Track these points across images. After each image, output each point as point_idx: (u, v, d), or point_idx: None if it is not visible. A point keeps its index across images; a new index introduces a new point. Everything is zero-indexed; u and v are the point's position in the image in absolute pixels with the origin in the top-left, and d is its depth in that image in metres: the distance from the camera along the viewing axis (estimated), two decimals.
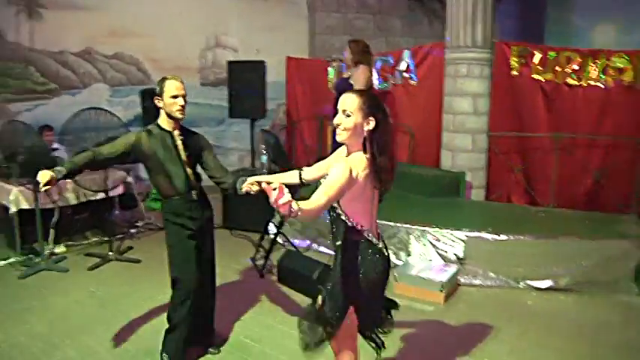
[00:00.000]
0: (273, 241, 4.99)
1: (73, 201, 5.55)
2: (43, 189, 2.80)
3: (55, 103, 7.04)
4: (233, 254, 5.25)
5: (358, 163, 2.20)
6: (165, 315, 3.25)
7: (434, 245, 4.64)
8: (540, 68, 5.61)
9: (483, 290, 4.39)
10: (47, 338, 3.64)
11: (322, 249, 5.25)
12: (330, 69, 6.51)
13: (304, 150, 7.70)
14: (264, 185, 1.92)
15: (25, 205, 5.13)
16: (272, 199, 1.83)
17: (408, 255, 4.75)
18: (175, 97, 3.05)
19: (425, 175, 5.82)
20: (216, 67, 7.96)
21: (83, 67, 7.27)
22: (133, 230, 6.12)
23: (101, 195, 5.49)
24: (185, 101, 3.09)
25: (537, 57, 5.60)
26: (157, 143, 3.11)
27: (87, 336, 3.66)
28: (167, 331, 3.20)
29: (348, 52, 5.34)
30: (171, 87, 3.05)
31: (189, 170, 3.17)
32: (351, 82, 5.17)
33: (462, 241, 4.53)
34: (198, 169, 3.27)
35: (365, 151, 2.25)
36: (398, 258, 4.78)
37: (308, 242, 5.43)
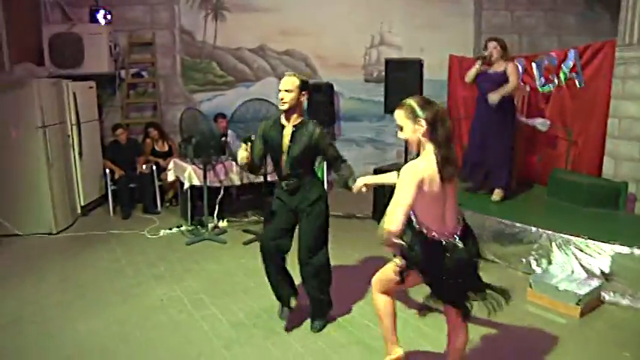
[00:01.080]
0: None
1: (237, 182, 6.21)
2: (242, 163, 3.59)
3: (231, 94, 7.86)
4: (376, 244, 5.42)
5: (423, 168, 2.39)
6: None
7: (577, 256, 4.35)
8: None
9: (631, 312, 3.96)
10: (198, 296, 4.23)
11: None
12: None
13: (461, 149, 7.59)
14: None
15: (196, 182, 5.90)
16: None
17: (549, 263, 4.52)
18: (279, 91, 3.39)
19: (580, 183, 5.41)
20: (380, 65, 8.12)
21: (257, 62, 8.03)
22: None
23: (261, 179, 6.04)
24: (286, 96, 3.35)
25: None
26: (272, 132, 3.48)
27: (229, 299, 4.18)
28: None
29: (492, 49, 5.35)
30: (281, 83, 3.42)
31: (284, 162, 3.43)
32: (508, 75, 5.22)
33: (609, 255, 4.18)
34: None
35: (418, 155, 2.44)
36: (538, 265, 4.58)
37: None
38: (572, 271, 4.32)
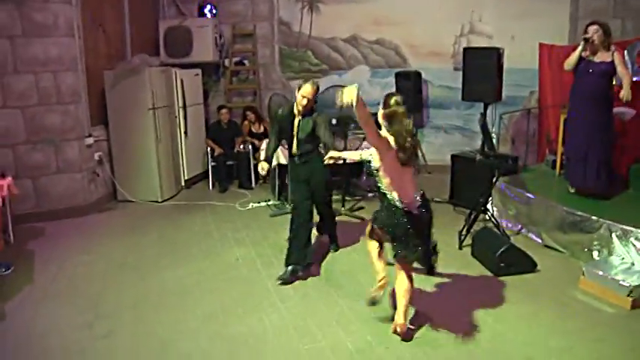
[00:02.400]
0: (474, 220, 5.27)
1: None
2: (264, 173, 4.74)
3: (325, 81, 8.25)
4: (446, 225, 5.58)
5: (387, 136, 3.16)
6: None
7: (638, 249, 4.30)
8: None
9: None
10: (268, 258, 4.85)
11: (531, 235, 5.28)
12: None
13: (546, 140, 7.49)
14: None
15: (283, 161, 6.47)
16: None
17: (610, 254, 4.50)
18: (303, 97, 4.28)
19: None
20: None
21: (349, 51, 8.47)
22: (370, 194, 7.00)
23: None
24: (308, 102, 4.31)
25: None
26: (285, 119, 4.49)
27: None
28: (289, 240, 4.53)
29: (593, 33, 5.05)
30: (303, 89, 4.29)
31: (295, 143, 4.47)
32: (617, 65, 5.00)
33: None
34: None
35: None
36: (600, 255, 4.55)
37: (519, 226, 5.52)
38: (633, 264, 4.27)
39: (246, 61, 8.47)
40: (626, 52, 6.15)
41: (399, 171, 3.22)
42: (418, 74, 8.00)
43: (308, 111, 4.40)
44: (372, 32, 8.36)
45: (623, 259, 4.35)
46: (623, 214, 4.70)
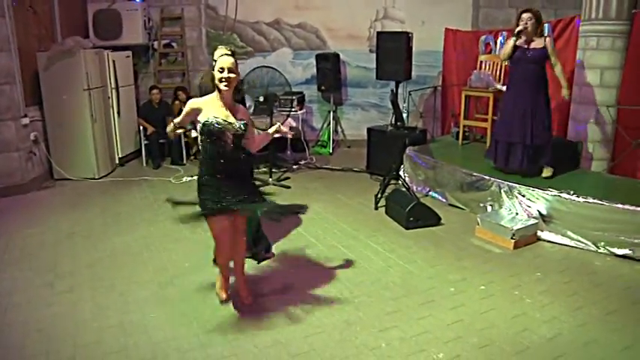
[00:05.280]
0: (387, 184, 6.02)
1: None
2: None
3: (250, 62, 8.78)
4: (364, 191, 6.44)
5: None
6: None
7: (520, 201, 5.17)
8: None
9: (559, 247, 4.68)
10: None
11: (438, 196, 6.11)
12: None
13: (451, 115, 8.40)
14: None
15: None
16: None
17: (500, 207, 5.36)
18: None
19: None
20: None
21: (273, 34, 8.99)
22: (295, 166, 7.64)
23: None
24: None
25: None
26: None
27: None
28: None
29: (527, 21, 5.20)
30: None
31: None
32: (550, 55, 5.25)
33: (545, 199, 4.96)
34: None
35: None
36: (493, 209, 5.41)
37: (427, 189, 6.32)
38: (517, 213, 5.16)
39: (174, 44, 8.79)
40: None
41: None
42: (337, 56, 8.66)
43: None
44: (294, 16, 8.91)
45: (510, 210, 5.23)
46: (502, 172, 5.59)
